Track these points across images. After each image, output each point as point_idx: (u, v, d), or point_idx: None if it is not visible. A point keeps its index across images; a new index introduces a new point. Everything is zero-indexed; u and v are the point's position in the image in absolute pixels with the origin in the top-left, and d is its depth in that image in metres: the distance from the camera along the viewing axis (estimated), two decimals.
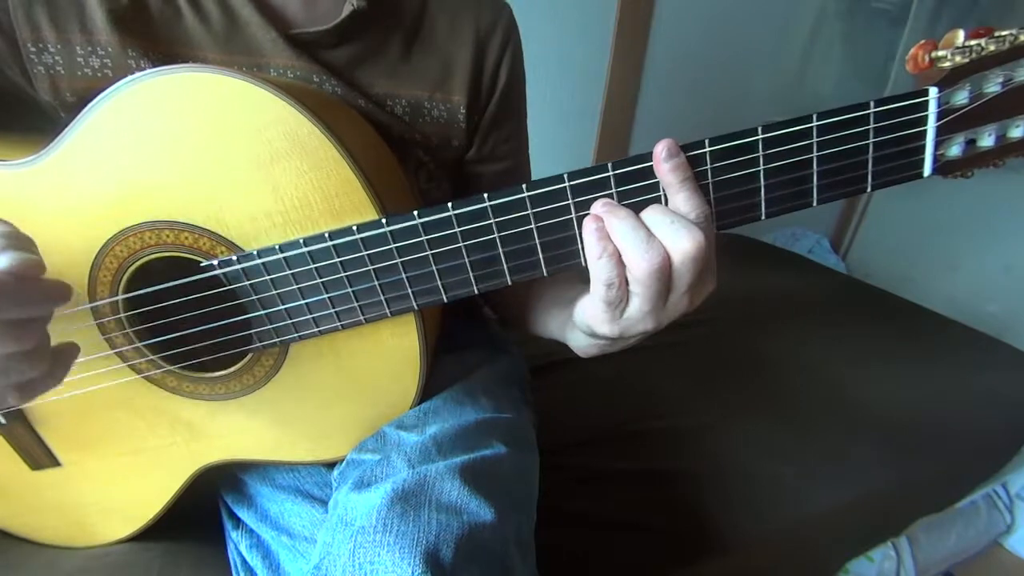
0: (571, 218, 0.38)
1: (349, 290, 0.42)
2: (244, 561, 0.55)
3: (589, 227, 0.38)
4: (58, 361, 0.38)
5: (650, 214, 0.37)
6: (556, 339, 0.54)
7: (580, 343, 0.48)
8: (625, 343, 0.43)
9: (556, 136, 1.56)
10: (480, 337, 0.69)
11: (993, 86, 0.35)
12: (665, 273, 0.36)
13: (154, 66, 0.46)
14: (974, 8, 1.72)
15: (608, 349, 0.46)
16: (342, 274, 0.41)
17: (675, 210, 0.37)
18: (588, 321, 0.42)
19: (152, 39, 0.48)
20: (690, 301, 0.39)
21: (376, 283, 0.42)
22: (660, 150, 0.36)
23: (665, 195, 0.38)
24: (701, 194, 0.37)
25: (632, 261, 0.36)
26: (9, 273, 0.32)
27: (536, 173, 0.67)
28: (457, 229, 0.39)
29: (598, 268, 0.38)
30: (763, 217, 0.39)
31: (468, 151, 0.62)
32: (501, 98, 0.60)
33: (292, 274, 0.42)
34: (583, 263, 0.40)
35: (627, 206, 0.38)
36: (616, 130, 1.66)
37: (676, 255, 0.36)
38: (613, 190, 0.38)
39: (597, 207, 0.38)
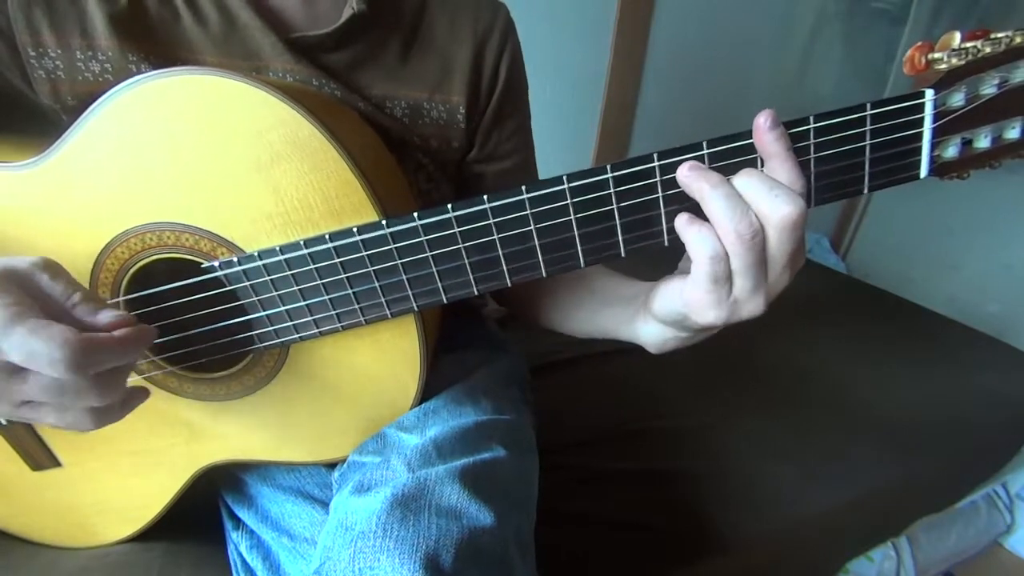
0: (570, 220, 0.39)
1: (349, 291, 0.42)
2: (244, 562, 0.55)
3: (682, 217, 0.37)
4: (127, 402, 0.39)
5: (745, 178, 0.36)
6: (612, 337, 0.52)
7: (656, 337, 0.46)
8: (712, 331, 0.42)
9: (556, 136, 1.56)
10: (480, 337, 0.69)
11: (989, 88, 0.35)
12: (759, 241, 0.35)
13: (154, 70, 0.47)
14: (974, 8, 1.72)
15: (689, 341, 0.44)
16: (342, 275, 0.41)
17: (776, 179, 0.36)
18: (687, 310, 0.39)
19: (151, 42, 0.48)
20: (790, 275, 0.38)
21: (376, 284, 0.42)
22: (764, 120, 0.35)
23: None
24: (800, 168, 0.36)
25: (724, 229, 0.35)
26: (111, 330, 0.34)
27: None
28: (457, 230, 0.39)
29: (698, 241, 0.36)
30: None
31: (469, 152, 0.62)
32: (501, 97, 0.60)
33: (293, 275, 0.42)
34: (581, 264, 0.40)
35: (625, 207, 0.38)
36: (616, 130, 1.66)
37: (774, 219, 0.35)
38: (612, 190, 0.38)
39: (683, 170, 0.37)
